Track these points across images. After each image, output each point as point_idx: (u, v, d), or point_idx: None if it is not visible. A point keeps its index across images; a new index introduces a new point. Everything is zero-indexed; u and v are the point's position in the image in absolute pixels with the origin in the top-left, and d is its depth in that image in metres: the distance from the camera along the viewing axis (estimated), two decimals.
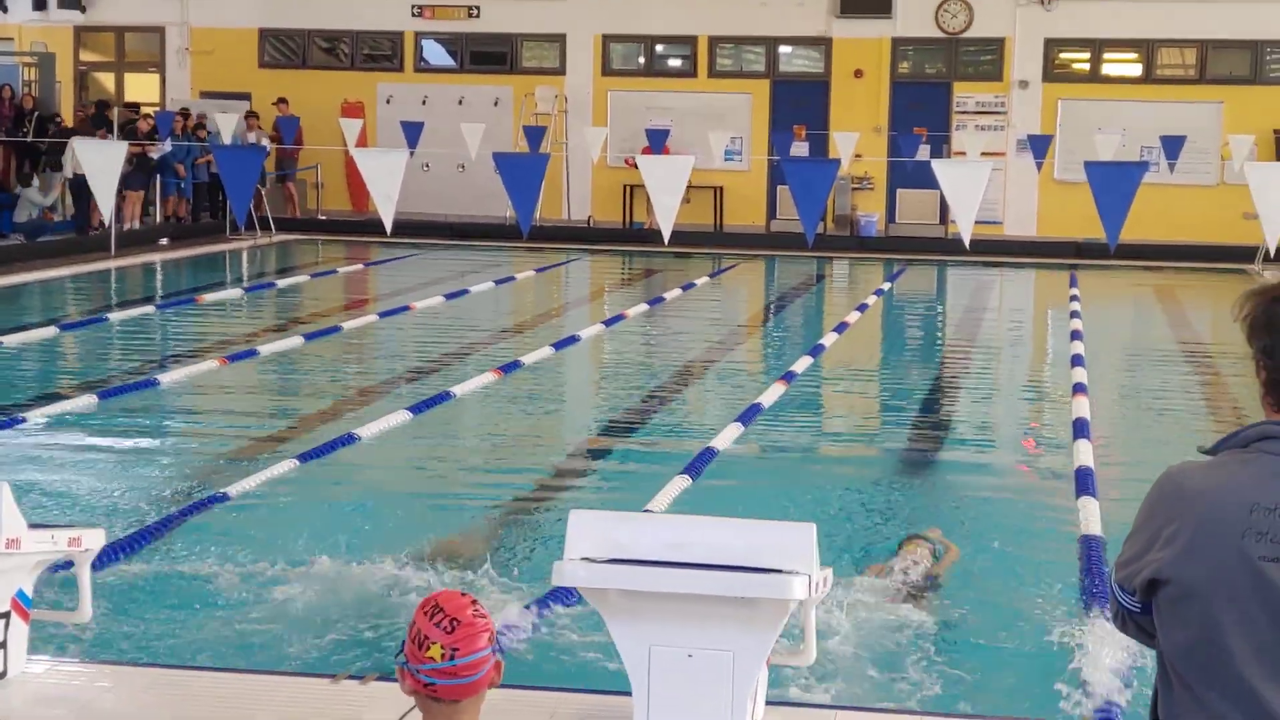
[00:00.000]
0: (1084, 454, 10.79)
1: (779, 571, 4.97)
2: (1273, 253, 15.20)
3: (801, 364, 14.94)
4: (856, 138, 27.17)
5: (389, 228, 14.27)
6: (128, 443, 11.10)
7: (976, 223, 14.88)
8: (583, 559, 5.11)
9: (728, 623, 5.03)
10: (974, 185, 13.61)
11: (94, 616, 6.37)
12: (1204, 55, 28.75)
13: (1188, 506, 3.00)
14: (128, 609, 7.46)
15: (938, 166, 14.10)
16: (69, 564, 6.22)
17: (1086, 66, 29.45)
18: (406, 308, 18.76)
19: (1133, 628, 3.18)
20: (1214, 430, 11.54)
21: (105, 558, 7.55)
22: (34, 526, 5.83)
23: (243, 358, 14.75)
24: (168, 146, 26.01)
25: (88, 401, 12.21)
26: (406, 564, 8.08)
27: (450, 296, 20.10)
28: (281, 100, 29.56)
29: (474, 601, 3.37)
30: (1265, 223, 13.49)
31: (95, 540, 6.24)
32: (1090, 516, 9.01)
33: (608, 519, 5.39)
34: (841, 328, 17.88)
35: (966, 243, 14.46)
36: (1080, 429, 11.72)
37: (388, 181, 13.71)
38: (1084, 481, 9.97)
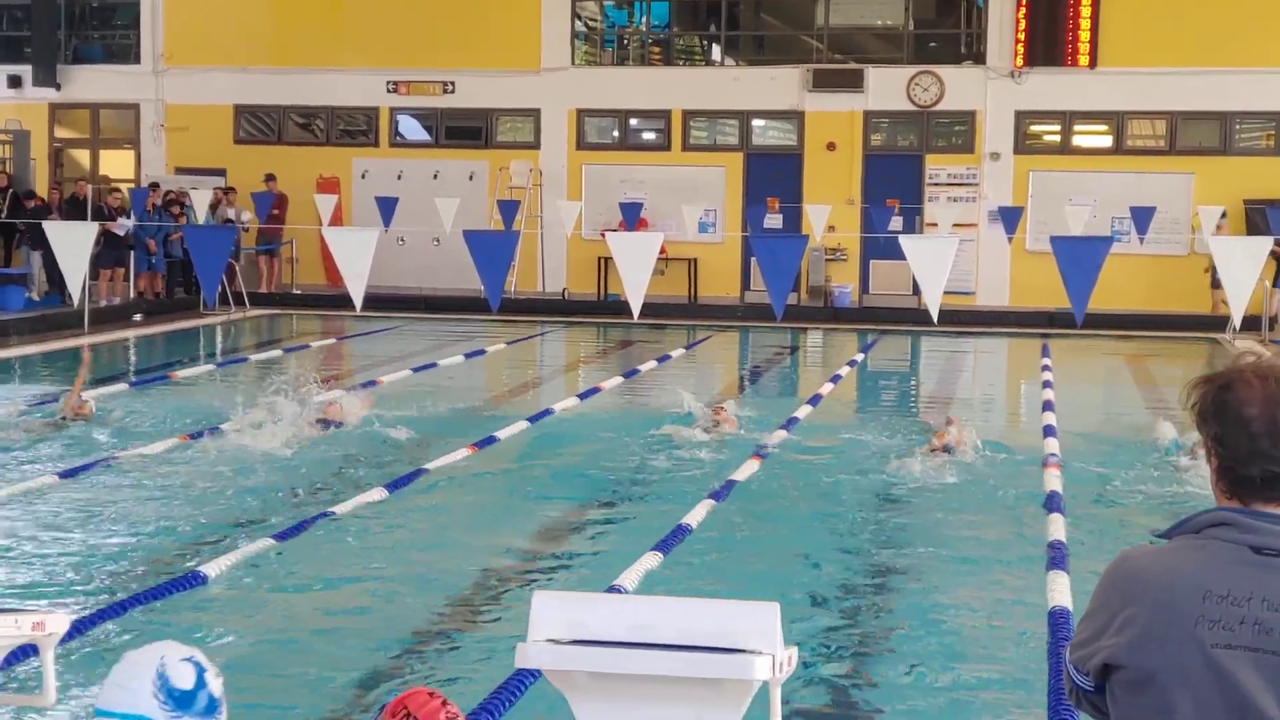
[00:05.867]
0: (1056, 527, 10.79)
1: (743, 651, 4.97)
2: (1238, 325, 15.31)
3: (775, 437, 14.93)
4: (829, 210, 27.38)
5: (359, 305, 14.37)
6: (93, 523, 11.02)
7: (948, 293, 14.98)
8: (547, 640, 5.09)
9: (693, 703, 4.99)
10: (941, 260, 13.71)
11: (59, 700, 6.33)
12: (1174, 127, 29.02)
13: (1142, 592, 3.02)
14: (91, 690, 7.41)
15: (905, 242, 14.22)
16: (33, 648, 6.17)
17: (1057, 139, 29.71)
18: (374, 382, 18.72)
19: (1086, 705, 3.21)
20: (1181, 504, 11.56)
21: (70, 638, 7.50)
22: None
23: (209, 434, 14.62)
24: (130, 223, 26.03)
25: (49, 480, 12.14)
26: (388, 643, 8.07)
27: (418, 369, 20.10)
28: (270, 177, 29.66)
29: (445, 702, 3.26)
30: (1230, 295, 13.57)
31: (59, 624, 6.18)
32: (1060, 590, 9.00)
33: (572, 600, 5.36)
34: (815, 399, 17.89)
35: (934, 316, 14.57)
36: (1052, 502, 11.73)
37: (358, 260, 13.78)
38: (1056, 554, 9.97)
